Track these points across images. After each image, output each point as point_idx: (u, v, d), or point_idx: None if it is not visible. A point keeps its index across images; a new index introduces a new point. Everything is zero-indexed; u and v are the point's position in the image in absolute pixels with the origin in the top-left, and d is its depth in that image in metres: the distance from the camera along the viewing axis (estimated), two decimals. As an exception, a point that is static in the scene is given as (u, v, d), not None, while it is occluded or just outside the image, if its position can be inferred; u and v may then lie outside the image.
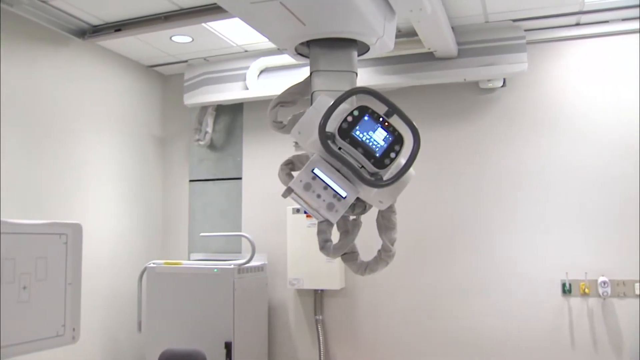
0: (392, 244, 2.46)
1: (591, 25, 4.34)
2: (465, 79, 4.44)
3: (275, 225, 4.97)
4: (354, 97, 2.29)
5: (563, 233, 4.33)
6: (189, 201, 5.51)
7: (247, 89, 4.89)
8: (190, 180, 5.52)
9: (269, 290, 5.02)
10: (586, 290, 4.20)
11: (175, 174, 5.59)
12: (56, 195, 4.30)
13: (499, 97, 4.60)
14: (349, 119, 2.11)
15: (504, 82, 4.54)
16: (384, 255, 2.47)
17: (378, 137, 2.11)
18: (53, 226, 2.10)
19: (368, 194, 2.25)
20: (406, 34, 4.27)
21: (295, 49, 2.61)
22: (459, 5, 4.02)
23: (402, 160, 2.15)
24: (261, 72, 4.88)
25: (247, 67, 4.86)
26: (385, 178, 2.13)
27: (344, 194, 2.16)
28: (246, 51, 4.91)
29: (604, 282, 4.13)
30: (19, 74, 4.04)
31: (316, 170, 2.16)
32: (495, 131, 4.58)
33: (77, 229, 2.10)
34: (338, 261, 4.58)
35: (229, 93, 5.00)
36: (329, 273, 4.72)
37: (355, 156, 2.12)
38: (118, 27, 4.34)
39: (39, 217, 3.81)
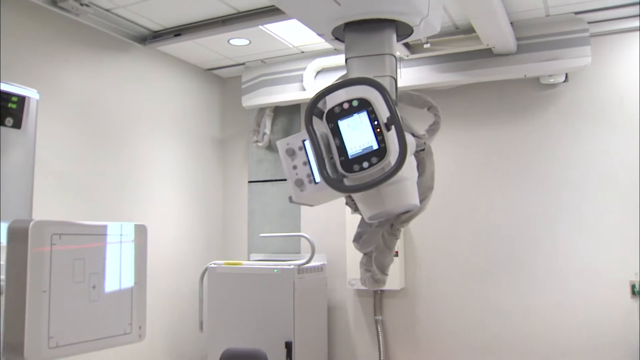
0: (382, 270, 2.26)
1: (659, 15, 4.17)
2: (525, 75, 4.34)
3: (335, 225, 4.98)
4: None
5: (632, 231, 4.17)
6: (248, 202, 5.57)
7: (304, 89, 4.91)
8: (249, 182, 5.58)
9: (328, 291, 5.03)
10: (657, 291, 4.06)
11: (235, 175, 5.67)
12: (120, 197, 4.42)
13: (562, 92, 4.47)
14: (345, 106, 1.88)
15: (566, 77, 4.41)
16: (372, 277, 2.30)
17: (362, 140, 1.86)
18: (119, 227, 2.15)
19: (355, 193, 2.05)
20: (464, 31, 4.22)
21: (333, 34, 2.34)
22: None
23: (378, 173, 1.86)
24: (318, 72, 4.90)
25: (303, 68, 4.89)
26: (348, 184, 1.89)
27: (317, 178, 1.95)
28: (302, 52, 4.94)
29: (677, 283, 3.98)
30: (84, 79, 4.18)
31: (307, 142, 1.98)
32: (558, 128, 4.46)
33: (142, 230, 2.15)
34: (397, 261, 4.56)
35: (286, 94, 5.04)
36: (389, 273, 4.68)
37: (331, 146, 1.90)
38: (177, 32, 4.44)
39: (105, 219, 3.93)
